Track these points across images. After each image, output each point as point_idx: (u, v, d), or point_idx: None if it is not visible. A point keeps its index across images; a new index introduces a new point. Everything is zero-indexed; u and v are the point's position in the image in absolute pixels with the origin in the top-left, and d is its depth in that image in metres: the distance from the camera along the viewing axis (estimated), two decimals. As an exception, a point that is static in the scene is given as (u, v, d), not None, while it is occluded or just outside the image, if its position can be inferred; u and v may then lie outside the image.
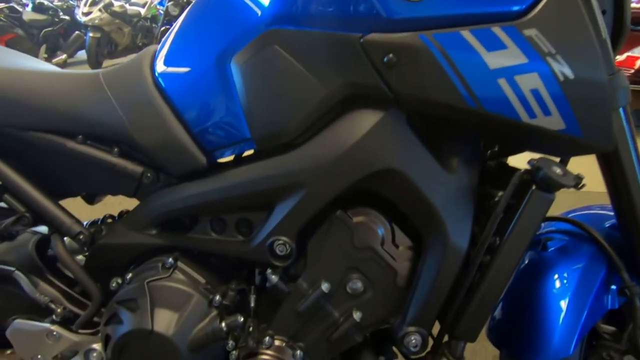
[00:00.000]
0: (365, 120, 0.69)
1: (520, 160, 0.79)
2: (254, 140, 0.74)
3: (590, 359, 0.89)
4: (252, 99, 0.71)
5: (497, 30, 0.60)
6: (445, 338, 0.80)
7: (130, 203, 0.86)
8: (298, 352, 0.80)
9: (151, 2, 7.98)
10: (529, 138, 0.68)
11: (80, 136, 0.82)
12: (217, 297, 0.79)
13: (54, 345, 0.88)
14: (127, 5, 7.55)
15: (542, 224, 0.94)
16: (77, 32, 7.39)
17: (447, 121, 0.70)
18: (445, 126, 0.73)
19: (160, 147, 0.79)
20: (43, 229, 0.97)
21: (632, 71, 3.52)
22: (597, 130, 0.63)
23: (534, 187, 0.68)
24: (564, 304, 0.81)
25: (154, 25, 7.86)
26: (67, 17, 7.54)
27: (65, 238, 0.87)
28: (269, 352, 0.79)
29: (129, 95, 0.81)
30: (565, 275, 0.83)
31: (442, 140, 0.73)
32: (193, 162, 0.78)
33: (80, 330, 0.89)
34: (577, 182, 0.66)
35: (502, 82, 0.61)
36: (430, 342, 0.80)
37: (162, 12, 7.31)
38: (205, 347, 0.79)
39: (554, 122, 0.63)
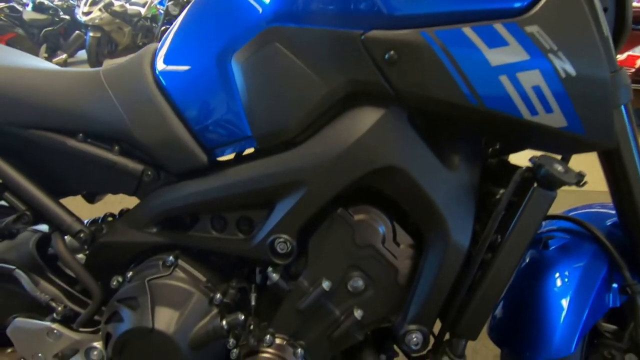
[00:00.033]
0: (366, 118, 0.68)
1: (521, 158, 0.78)
2: (255, 138, 0.74)
3: (592, 357, 0.88)
4: (253, 96, 0.71)
5: (498, 27, 0.60)
6: (447, 336, 0.80)
7: (131, 202, 0.86)
8: (299, 350, 0.80)
9: (151, 2, 7.98)
10: (530, 135, 0.68)
11: (80, 134, 0.82)
12: (218, 296, 0.79)
13: (54, 344, 0.88)
14: (127, 5, 7.54)
15: (543, 223, 0.94)
16: (77, 31, 7.39)
17: (449, 118, 0.70)
18: (446, 123, 0.73)
19: (160, 145, 0.79)
20: (43, 227, 0.97)
21: (633, 70, 3.52)
22: (599, 127, 0.63)
23: (535, 184, 0.68)
24: (565, 303, 0.81)
25: (154, 24, 7.86)
26: (67, 17, 7.54)
27: (65, 236, 0.87)
28: (269, 350, 0.79)
29: (129, 93, 0.80)
30: (567, 273, 0.83)
31: (443, 137, 0.73)
32: (194, 160, 0.78)
33: (80, 329, 0.89)
34: (578, 179, 0.66)
35: (504, 79, 0.61)
36: (432, 340, 0.80)
37: (162, 11, 7.31)
38: (206, 345, 0.79)
39: (556, 119, 0.62)
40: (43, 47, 7.15)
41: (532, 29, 0.59)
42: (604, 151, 0.73)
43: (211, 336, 0.78)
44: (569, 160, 0.77)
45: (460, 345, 0.79)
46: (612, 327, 0.89)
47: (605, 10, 0.67)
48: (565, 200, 0.85)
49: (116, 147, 0.82)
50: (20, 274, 0.89)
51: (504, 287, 0.73)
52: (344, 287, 0.78)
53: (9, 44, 6.27)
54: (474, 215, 0.72)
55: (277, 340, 0.80)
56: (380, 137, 0.68)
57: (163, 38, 0.83)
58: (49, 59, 6.85)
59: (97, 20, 6.86)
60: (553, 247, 0.88)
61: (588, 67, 0.61)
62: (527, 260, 0.89)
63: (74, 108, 0.81)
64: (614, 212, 0.80)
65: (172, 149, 0.78)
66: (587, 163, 0.76)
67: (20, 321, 0.89)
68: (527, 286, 0.86)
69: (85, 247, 0.87)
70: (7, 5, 6.94)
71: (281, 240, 0.74)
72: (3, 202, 0.87)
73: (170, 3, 6.74)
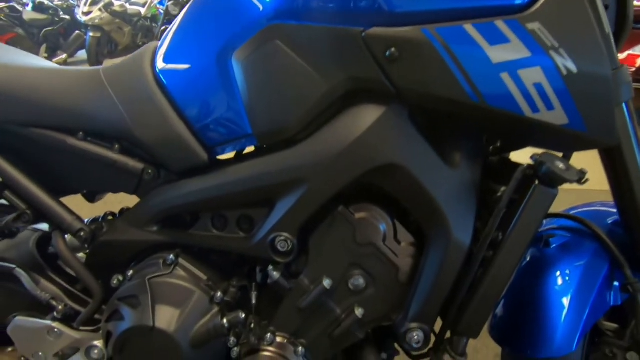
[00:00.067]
0: (367, 116, 0.68)
1: (523, 156, 0.78)
2: (255, 136, 0.73)
3: (593, 356, 0.88)
4: (253, 94, 0.71)
5: (500, 24, 0.60)
6: (448, 334, 0.80)
7: (131, 200, 0.86)
8: (300, 348, 0.80)
9: (151, 2, 7.98)
10: (531, 133, 0.68)
11: (80, 133, 0.82)
12: (219, 294, 0.79)
13: (55, 343, 0.88)
14: (127, 5, 7.55)
15: (544, 221, 0.94)
16: (77, 31, 7.40)
17: (450, 116, 0.70)
18: (447, 121, 0.73)
19: (161, 144, 0.79)
20: (44, 226, 0.96)
21: (634, 69, 3.52)
22: (601, 125, 0.63)
23: (536, 182, 0.68)
24: (566, 301, 0.81)
25: (154, 24, 7.87)
26: (67, 17, 7.54)
27: (66, 235, 0.87)
28: (270, 348, 0.79)
29: (129, 91, 0.80)
30: (568, 272, 0.83)
31: (445, 135, 0.73)
32: (194, 159, 0.78)
33: (81, 328, 0.89)
34: (580, 176, 0.66)
35: (505, 77, 0.61)
36: (433, 338, 0.79)
37: (162, 11, 7.33)
38: (207, 344, 0.79)
39: (557, 116, 0.62)
40: (43, 47, 7.16)
41: (534, 25, 0.59)
42: (605, 149, 0.73)
43: (212, 335, 0.78)
44: (571, 157, 0.77)
45: (461, 343, 0.79)
46: (614, 325, 0.89)
47: (606, 7, 0.67)
48: (565, 200, 0.85)
49: (116, 146, 0.82)
50: (20, 273, 0.89)
51: (505, 285, 0.73)
52: (344, 285, 0.77)
53: (9, 44, 6.25)
54: (475, 213, 0.72)
55: (278, 339, 0.80)
56: (381, 135, 0.68)
57: (163, 36, 0.83)
58: (49, 59, 6.82)
59: (97, 20, 6.87)
60: (554, 245, 0.88)
61: (589, 64, 0.61)
62: (528, 259, 0.89)
63: (74, 106, 0.81)
64: (614, 210, 0.80)
65: (173, 148, 0.78)
66: (586, 162, 0.75)
67: (21, 320, 0.89)
68: (528, 284, 0.86)
69: (86, 245, 0.87)
70: (7, 5, 6.95)
71: (282, 238, 0.74)
72: (3, 201, 0.87)
73: (170, 3, 6.75)
